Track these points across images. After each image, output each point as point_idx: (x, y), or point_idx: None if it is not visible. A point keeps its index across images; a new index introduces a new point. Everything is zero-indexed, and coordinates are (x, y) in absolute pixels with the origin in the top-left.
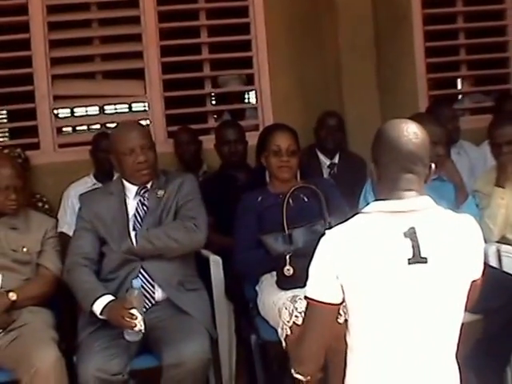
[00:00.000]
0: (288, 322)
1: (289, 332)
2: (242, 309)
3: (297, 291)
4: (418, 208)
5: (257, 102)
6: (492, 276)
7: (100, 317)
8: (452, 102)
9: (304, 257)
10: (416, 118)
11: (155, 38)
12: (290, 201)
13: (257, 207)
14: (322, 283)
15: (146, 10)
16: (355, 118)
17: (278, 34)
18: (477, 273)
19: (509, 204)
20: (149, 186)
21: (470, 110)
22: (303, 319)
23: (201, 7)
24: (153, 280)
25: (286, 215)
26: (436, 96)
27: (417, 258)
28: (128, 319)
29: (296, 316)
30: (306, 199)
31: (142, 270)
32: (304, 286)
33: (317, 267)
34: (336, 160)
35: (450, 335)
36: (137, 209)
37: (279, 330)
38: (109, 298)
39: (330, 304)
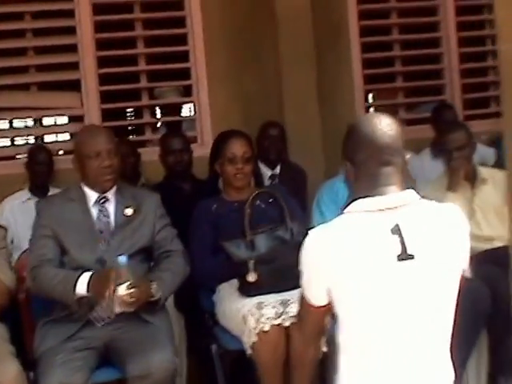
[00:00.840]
0: (255, 328)
1: (256, 339)
2: (195, 319)
3: (262, 298)
4: (402, 203)
5: (195, 113)
6: None
7: (87, 294)
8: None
9: (267, 263)
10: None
11: (91, 49)
12: (246, 206)
13: (212, 216)
14: (309, 285)
15: (81, 20)
16: (296, 129)
17: (216, 45)
18: (465, 262)
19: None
20: (110, 196)
21: (406, 121)
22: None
23: (137, 17)
24: None
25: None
26: (373, 107)
27: (404, 255)
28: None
29: (263, 323)
30: (263, 205)
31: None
32: (268, 292)
33: (304, 268)
34: (277, 171)
35: (443, 330)
36: (99, 218)
37: (244, 338)
38: (88, 273)
39: (317, 307)
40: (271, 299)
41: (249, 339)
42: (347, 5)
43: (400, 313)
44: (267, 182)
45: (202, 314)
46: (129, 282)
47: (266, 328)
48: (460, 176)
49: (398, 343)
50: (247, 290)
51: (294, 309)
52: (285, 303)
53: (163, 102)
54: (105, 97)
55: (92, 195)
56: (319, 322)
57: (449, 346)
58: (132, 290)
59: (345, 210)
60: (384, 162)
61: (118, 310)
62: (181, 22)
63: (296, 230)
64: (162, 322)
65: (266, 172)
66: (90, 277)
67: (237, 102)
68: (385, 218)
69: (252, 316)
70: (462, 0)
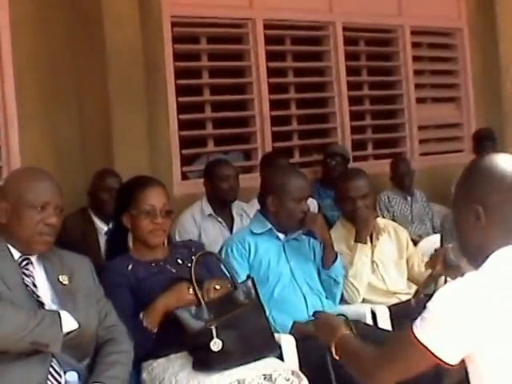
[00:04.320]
0: None
1: None
2: None
3: (235, 373)
4: None
5: (1, 160)
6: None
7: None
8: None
9: (230, 329)
10: (283, 171)
11: None
12: (168, 267)
13: (129, 279)
14: (446, 338)
15: None
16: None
17: (29, 81)
18: None
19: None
20: (34, 259)
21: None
22: (391, 344)
23: None
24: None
25: (170, 283)
26: (188, 155)
27: None
28: None
29: None
30: (181, 262)
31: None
32: (238, 363)
33: (446, 319)
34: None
35: None
36: (26, 285)
37: None
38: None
39: (442, 361)
40: (250, 374)
41: None
42: (164, 44)
43: None
44: (103, 238)
45: None
46: None
47: None
48: (370, 226)
49: None
50: (210, 364)
51: None
52: (269, 378)
53: None
54: None
55: (15, 255)
56: (419, 370)
57: None
58: None
59: (488, 262)
60: None
61: None
62: None
63: (246, 291)
64: None
65: (102, 227)
66: None
67: (51, 146)
68: None
69: None
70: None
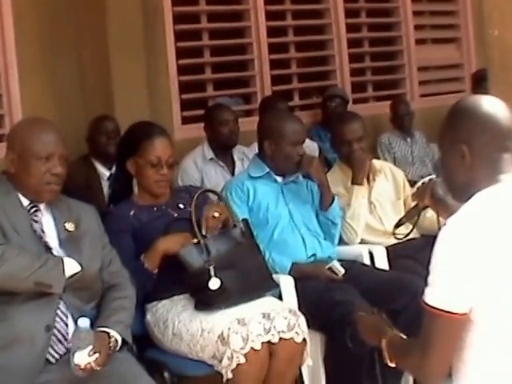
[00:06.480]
0: (242, 348)
1: (243, 360)
2: None
3: (235, 312)
4: None
5: (2, 108)
6: (388, 277)
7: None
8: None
9: (228, 268)
10: (279, 115)
11: None
12: (170, 210)
13: (132, 223)
14: (451, 287)
15: None
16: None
17: (28, 31)
18: None
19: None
20: (42, 206)
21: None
22: (422, 329)
23: None
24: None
25: (172, 225)
26: (188, 100)
27: None
28: None
29: (253, 341)
30: (183, 206)
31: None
32: (237, 302)
33: (443, 266)
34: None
35: None
36: (35, 230)
37: (224, 361)
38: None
39: (459, 314)
40: (249, 313)
41: (231, 361)
42: None
43: None
44: (106, 184)
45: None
46: (91, 348)
47: (257, 347)
48: (366, 168)
49: None
50: (210, 303)
51: (280, 323)
52: (268, 317)
53: None
54: None
55: (22, 200)
56: (459, 337)
57: None
58: (95, 357)
59: (473, 204)
60: (505, 148)
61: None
62: None
63: (244, 230)
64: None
65: (104, 172)
66: None
67: (51, 94)
68: None
69: (236, 334)
70: None
